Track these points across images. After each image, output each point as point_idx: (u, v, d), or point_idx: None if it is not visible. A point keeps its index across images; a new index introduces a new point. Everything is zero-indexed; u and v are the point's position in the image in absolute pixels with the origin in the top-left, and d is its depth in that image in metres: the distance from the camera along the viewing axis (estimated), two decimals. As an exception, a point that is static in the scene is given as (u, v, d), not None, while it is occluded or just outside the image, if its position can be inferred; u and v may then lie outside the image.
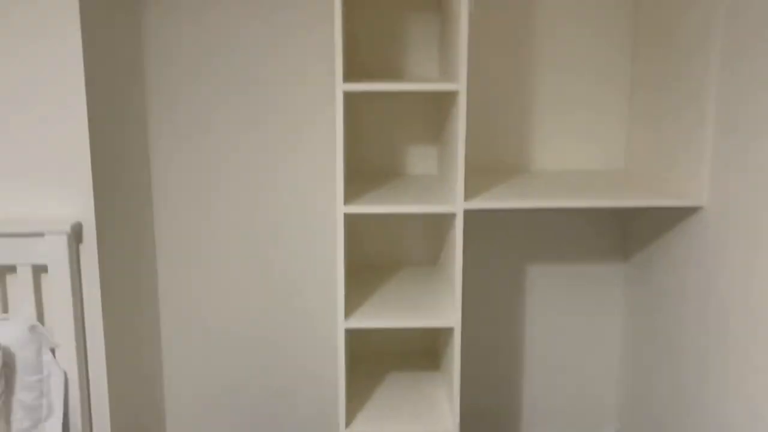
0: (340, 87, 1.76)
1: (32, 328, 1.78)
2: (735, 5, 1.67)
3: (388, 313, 1.91)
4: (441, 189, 2.04)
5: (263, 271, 2.31)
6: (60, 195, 1.82)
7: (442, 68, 2.15)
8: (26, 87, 1.79)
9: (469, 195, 1.85)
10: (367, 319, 1.87)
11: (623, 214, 2.32)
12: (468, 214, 1.92)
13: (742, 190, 1.65)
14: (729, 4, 1.69)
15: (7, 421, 1.72)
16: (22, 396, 1.74)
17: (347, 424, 1.94)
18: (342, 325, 1.87)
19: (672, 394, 1.99)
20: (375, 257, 2.32)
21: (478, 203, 1.82)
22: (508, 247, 2.33)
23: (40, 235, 1.77)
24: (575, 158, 2.29)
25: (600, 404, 2.43)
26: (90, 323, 1.87)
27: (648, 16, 2.11)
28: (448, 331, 1.98)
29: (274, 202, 2.27)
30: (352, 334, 2.28)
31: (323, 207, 2.27)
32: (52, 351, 1.81)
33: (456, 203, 1.82)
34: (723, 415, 1.72)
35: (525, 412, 2.43)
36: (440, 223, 2.19)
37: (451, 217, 1.88)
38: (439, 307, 1.95)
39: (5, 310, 1.85)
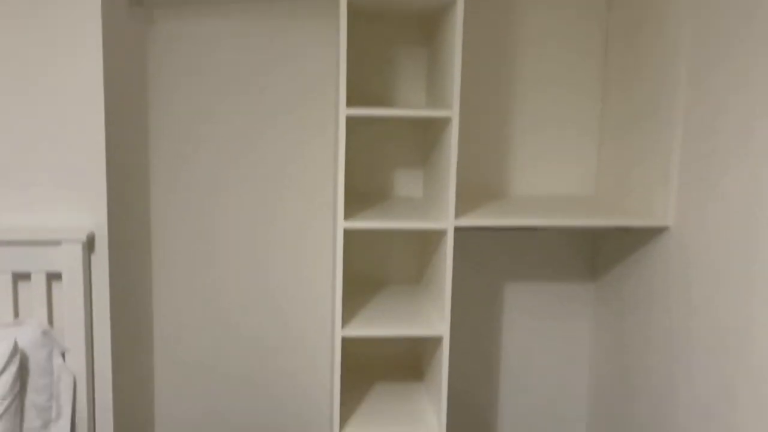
0: (344, 112, 1.91)
1: (44, 333, 1.86)
2: (703, 23, 1.82)
3: (382, 324, 2.04)
4: (429, 209, 2.19)
5: (258, 285, 2.42)
6: (75, 205, 1.91)
7: (429, 97, 2.31)
8: (48, 101, 1.89)
9: (457, 215, 2.00)
10: (362, 328, 2.00)
11: (593, 236, 2.50)
12: (454, 232, 2.07)
13: (707, 211, 1.78)
14: (695, 25, 1.83)
15: (20, 421, 1.79)
16: (33, 397, 1.82)
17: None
18: (339, 333, 1.99)
19: (638, 403, 2.15)
20: (360, 274, 2.45)
21: (468, 221, 1.98)
22: (487, 266, 2.49)
23: (57, 243, 1.86)
24: (550, 183, 2.46)
25: (571, 411, 2.58)
26: (98, 329, 1.96)
27: (618, 36, 2.29)
28: (434, 342, 2.12)
29: (270, 216, 2.39)
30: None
31: (317, 223, 2.40)
32: (62, 355, 1.90)
33: (447, 221, 1.98)
34: (686, 423, 1.89)
35: (501, 418, 2.58)
36: (425, 243, 2.33)
37: (442, 233, 2.03)
38: (428, 318, 2.09)
39: (17, 315, 1.92)
